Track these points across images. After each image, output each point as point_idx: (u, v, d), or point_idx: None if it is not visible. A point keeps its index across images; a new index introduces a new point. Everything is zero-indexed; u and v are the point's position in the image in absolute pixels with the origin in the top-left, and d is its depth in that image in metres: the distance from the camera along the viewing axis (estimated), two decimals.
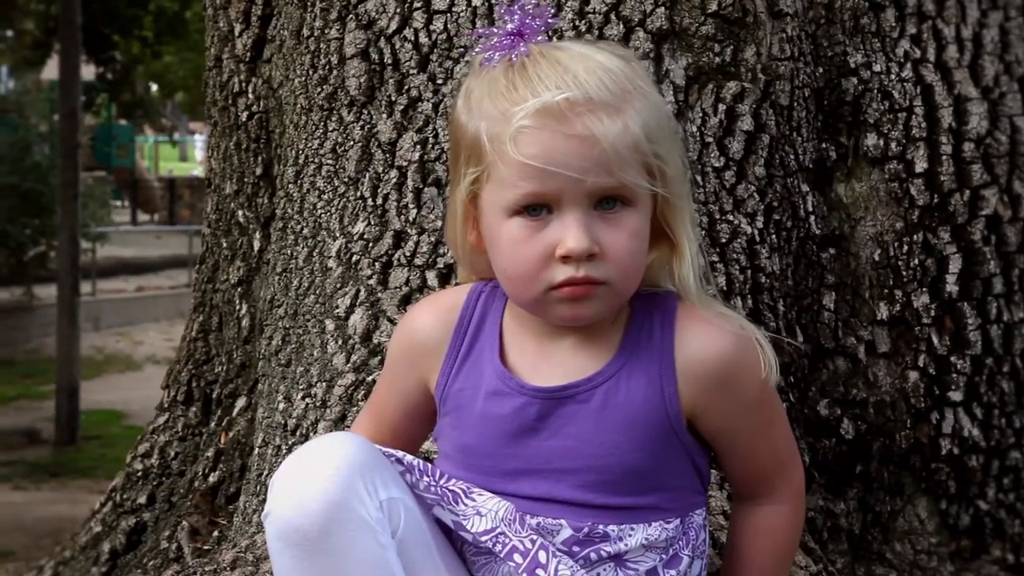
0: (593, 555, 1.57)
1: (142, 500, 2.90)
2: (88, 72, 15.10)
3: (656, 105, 1.55)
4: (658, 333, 1.58)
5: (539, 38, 1.56)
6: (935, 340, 2.58)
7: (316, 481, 1.48)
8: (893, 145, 2.59)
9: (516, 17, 1.55)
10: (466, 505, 1.57)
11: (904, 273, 2.57)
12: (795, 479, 1.68)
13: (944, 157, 2.60)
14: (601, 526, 1.56)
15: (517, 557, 1.53)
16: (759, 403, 1.61)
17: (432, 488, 1.56)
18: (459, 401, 1.63)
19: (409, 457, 1.58)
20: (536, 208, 1.51)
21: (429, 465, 1.59)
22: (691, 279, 1.58)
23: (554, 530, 1.56)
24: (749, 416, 1.61)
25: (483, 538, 1.55)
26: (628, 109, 1.50)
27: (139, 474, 2.96)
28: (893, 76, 2.59)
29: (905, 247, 2.58)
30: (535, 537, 1.55)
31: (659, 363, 1.57)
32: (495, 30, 1.57)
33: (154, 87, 24.07)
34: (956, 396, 2.59)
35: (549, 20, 1.57)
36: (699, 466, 1.62)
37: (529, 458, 1.58)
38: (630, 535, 1.57)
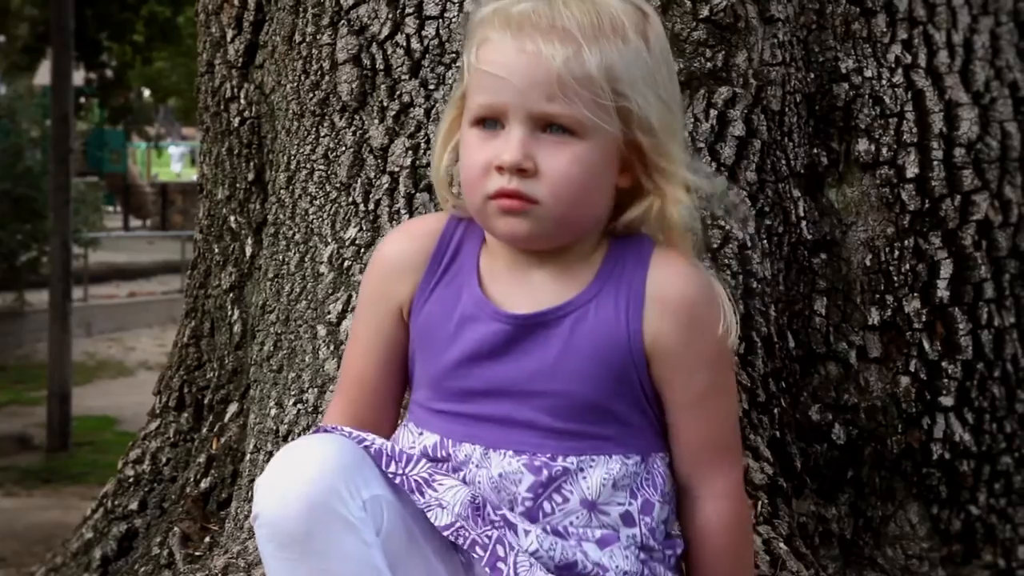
0: (558, 497, 1.58)
1: (134, 506, 2.90)
2: (79, 77, 15.09)
3: (636, 52, 1.57)
4: (631, 268, 1.62)
5: None
6: (926, 345, 2.58)
7: (298, 484, 1.49)
8: (884, 150, 2.59)
9: None
10: (429, 496, 1.57)
11: (895, 278, 2.58)
12: (734, 474, 1.67)
13: (935, 162, 2.61)
14: (560, 458, 1.58)
15: (478, 550, 1.54)
16: (715, 361, 1.63)
17: (398, 477, 1.57)
18: (429, 322, 1.65)
19: (377, 443, 1.58)
20: (491, 122, 1.57)
21: (397, 449, 1.59)
22: (675, 218, 1.61)
23: (516, 479, 1.58)
24: (702, 373, 1.62)
25: (444, 532, 1.56)
26: (591, 44, 1.54)
27: (131, 480, 2.95)
28: (884, 81, 2.60)
29: (896, 252, 2.58)
30: (492, 532, 1.55)
31: (628, 295, 1.60)
32: None
33: (147, 92, 24.07)
34: (947, 401, 2.59)
35: None
36: (655, 411, 1.64)
37: (495, 380, 1.61)
38: (591, 467, 1.59)
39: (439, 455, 1.62)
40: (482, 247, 1.66)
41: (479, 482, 1.59)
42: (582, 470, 1.59)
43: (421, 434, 1.64)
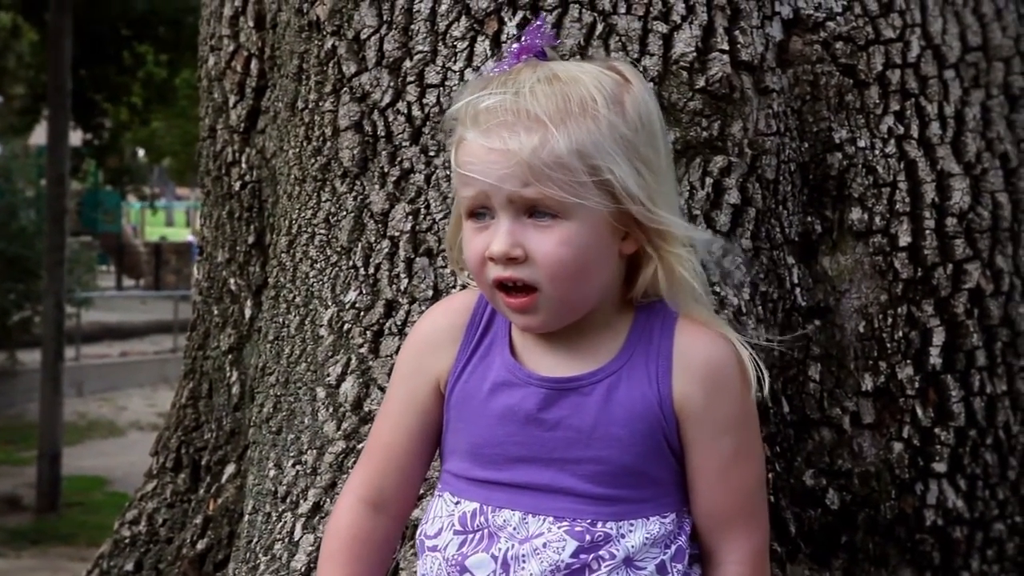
0: (605, 554, 1.60)
1: (129, 567, 2.90)
2: (75, 138, 15.16)
3: (609, 126, 1.58)
4: (657, 336, 1.65)
5: (524, 57, 1.64)
6: (919, 412, 2.60)
7: None
8: (877, 219, 2.62)
9: (525, 38, 1.66)
10: None
11: (888, 345, 2.60)
12: (757, 539, 1.69)
13: (927, 231, 2.64)
14: (600, 523, 1.60)
15: None
16: (740, 424, 1.66)
17: None
18: (466, 392, 1.68)
19: None
20: (480, 213, 1.61)
21: None
22: (679, 274, 1.64)
23: (560, 547, 1.60)
24: (729, 436, 1.65)
25: None
26: (559, 127, 1.56)
27: (127, 541, 2.96)
28: (877, 152, 2.64)
29: (889, 319, 2.61)
30: None
31: (657, 363, 1.64)
32: (509, 48, 1.67)
33: (141, 152, 24.15)
34: (940, 467, 2.61)
35: (537, 41, 1.65)
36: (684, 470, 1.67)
37: (533, 447, 1.63)
38: (630, 531, 1.61)
39: (476, 523, 1.64)
40: None
41: (523, 555, 1.61)
42: (623, 536, 1.61)
43: (458, 503, 1.66)
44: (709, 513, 1.67)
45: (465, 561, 1.63)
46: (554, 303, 1.59)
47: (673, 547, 1.64)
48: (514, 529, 1.62)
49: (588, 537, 1.60)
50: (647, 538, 1.62)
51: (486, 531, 1.63)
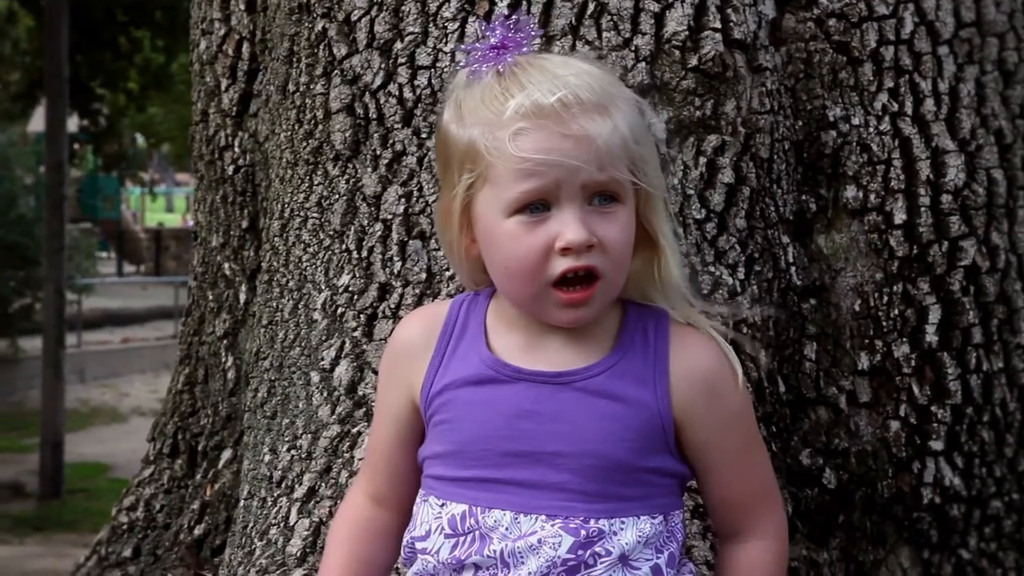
0: (601, 550, 1.59)
1: (127, 553, 2.90)
2: (72, 124, 15.13)
3: (636, 107, 1.64)
4: (652, 339, 1.65)
5: (523, 49, 1.63)
6: (916, 390, 2.60)
7: None
8: (872, 197, 2.62)
9: (498, 32, 1.63)
10: None
11: (884, 323, 2.60)
12: (777, 515, 1.71)
13: (922, 209, 2.63)
14: (592, 520, 1.60)
15: None
16: (742, 415, 1.68)
17: None
18: (446, 397, 1.67)
19: None
20: (535, 206, 1.57)
21: None
22: (674, 276, 1.66)
23: (556, 543, 1.59)
24: (735, 429, 1.67)
25: None
26: (614, 110, 1.59)
27: (124, 527, 2.96)
28: (871, 129, 2.63)
29: (885, 298, 2.60)
30: None
31: (654, 367, 1.64)
32: (479, 45, 1.64)
33: (140, 138, 24.12)
34: (937, 445, 2.60)
35: (531, 32, 1.65)
36: (679, 472, 1.67)
37: (525, 441, 1.62)
38: (622, 528, 1.61)
39: (466, 525, 1.62)
40: (487, 317, 1.69)
41: (518, 552, 1.60)
42: (616, 533, 1.61)
43: (444, 505, 1.64)
44: (730, 502, 1.69)
45: (460, 564, 1.63)
46: (607, 291, 1.60)
47: (666, 553, 1.64)
48: (506, 529, 1.61)
49: (583, 532, 1.59)
50: (639, 537, 1.61)
51: (477, 532, 1.62)
